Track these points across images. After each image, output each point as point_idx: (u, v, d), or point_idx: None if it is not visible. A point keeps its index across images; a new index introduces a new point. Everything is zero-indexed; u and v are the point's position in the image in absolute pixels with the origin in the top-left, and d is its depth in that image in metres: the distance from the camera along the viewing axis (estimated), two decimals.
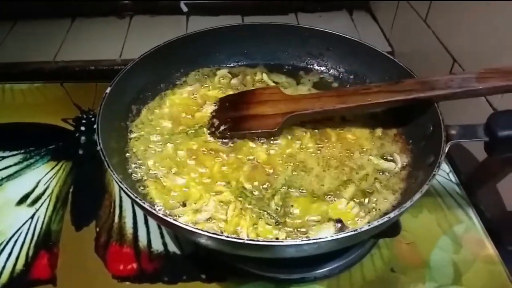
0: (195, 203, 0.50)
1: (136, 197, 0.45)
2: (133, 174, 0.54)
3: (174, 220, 0.43)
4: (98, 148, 0.49)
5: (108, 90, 0.56)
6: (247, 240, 0.41)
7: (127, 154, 0.56)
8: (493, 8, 0.60)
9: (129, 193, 0.45)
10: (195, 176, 0.53)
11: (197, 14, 1.03)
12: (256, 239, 0.45)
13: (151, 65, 0.62)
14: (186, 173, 0.54)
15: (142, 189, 0.52)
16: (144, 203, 0.44)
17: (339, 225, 0.49)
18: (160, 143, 0.57)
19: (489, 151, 0.51)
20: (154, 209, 0.44)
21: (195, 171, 0.54)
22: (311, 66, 0.70)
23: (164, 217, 0.43)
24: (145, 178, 0.53)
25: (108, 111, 0.54)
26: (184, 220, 0.48)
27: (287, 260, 0.50)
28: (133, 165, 0.55)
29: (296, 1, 1.03)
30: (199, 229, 0.41)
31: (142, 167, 0.55)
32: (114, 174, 0.46)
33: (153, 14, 1.04)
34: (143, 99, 0.62)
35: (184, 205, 0.50)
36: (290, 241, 0.41)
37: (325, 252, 0.45)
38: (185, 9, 1.03)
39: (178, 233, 0.45)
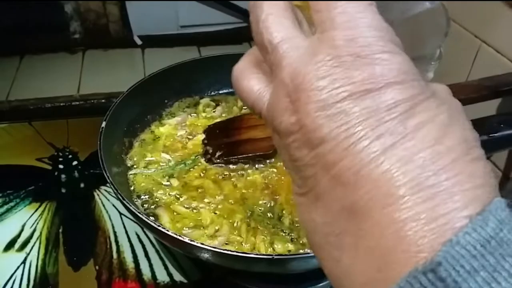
0: (208, 228, 0.51)
1: (159, 226, 0.45)
2: (140, 206, 0.54)
3: (202, 244, 0.44)
4: (108, 181, 0.49)
5: (103, 124, 0.56)
6: (276, 256, 0.44)
7: (131, 187, 0.56)
8: None
9: (153, 225, 0.45)
10: (203, 203, 0.54)
11: (152, 46, 1.04)
12: (284, 254, 0.47)
13: (137, 98, 0.63)
14: (194, 201, 0.55)
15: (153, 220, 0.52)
16: (168, 231, 0.45)
17: None
18: (160, 176, 0.58)
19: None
20: (181, 236, 0.45)
21: (203, 198, 0.55)
22: None
23: (192, 243, 0.44)
24: (152, 207, 0.54)
25: (106, 145, 0.54)
26: None
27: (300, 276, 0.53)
28: (138, 198, 0.55)
29: (246, 30, 1.08)
30: (230, 250, 0.43)
31: (149, 199, 0.55)
32: (131, 206, 0.47)
33: (105, 48, 1.03)
34: (133, 131, 0.63)
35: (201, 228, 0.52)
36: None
37: None
38: (139, 42, 1.04)
39: (204, 258, 0.46)
